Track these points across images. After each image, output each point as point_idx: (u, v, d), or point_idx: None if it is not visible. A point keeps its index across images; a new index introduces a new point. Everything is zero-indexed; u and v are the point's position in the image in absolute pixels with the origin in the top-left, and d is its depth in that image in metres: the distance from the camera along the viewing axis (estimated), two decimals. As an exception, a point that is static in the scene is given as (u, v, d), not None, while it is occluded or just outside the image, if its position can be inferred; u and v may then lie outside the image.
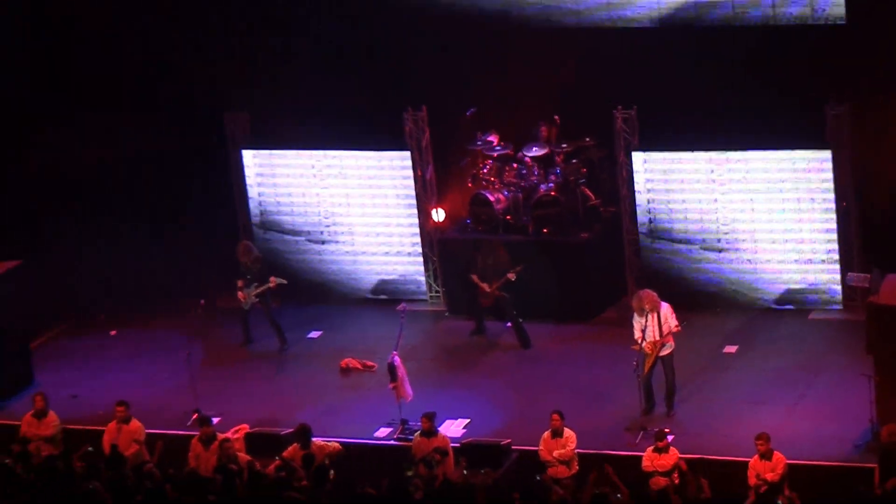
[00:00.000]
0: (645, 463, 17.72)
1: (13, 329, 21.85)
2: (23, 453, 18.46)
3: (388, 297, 23.54)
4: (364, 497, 16.39)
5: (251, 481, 17.41)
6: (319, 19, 23.81)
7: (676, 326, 19.62)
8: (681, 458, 17.76)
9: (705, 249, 22.47)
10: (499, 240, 22.35)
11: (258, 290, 22.29)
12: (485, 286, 21.88)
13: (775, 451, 17.36)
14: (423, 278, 23.57)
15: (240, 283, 22.35)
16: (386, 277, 23.84)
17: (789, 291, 22.25)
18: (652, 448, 17.88)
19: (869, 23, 20.92)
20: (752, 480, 17.24)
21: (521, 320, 21.95)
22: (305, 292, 23.83)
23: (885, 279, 19.08)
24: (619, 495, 16.47)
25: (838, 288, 21.84)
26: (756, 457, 17.35)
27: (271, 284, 22.31)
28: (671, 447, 17.89)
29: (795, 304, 22.18)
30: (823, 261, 21.92)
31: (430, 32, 23.28)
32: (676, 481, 17.51)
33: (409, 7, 23.33)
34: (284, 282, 22.48)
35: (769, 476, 17.18)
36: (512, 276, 21.68)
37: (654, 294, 20.04)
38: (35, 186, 23.59)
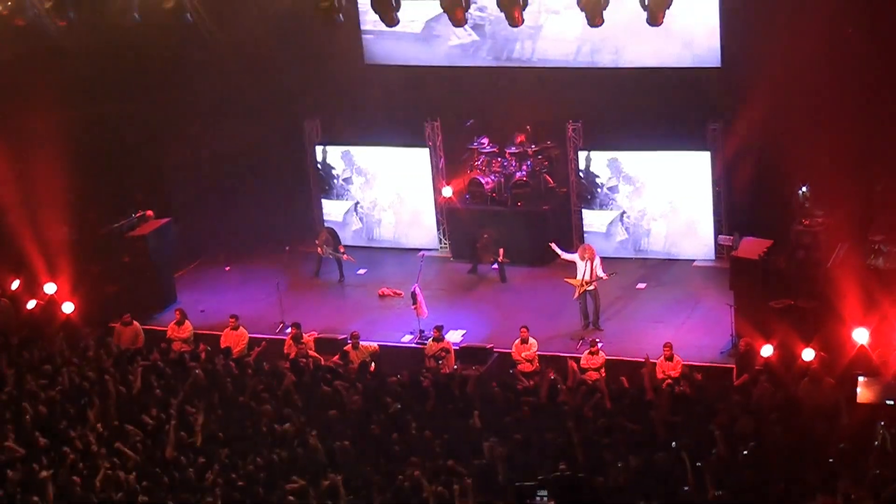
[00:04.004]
0: (582, 362, 17.85)
1: (164, 264, 21.91)
2: (166, 350, 18.97)
3: (411, 246, 23.34)
4: (389, 383, 16.81)
5: (315, 369, 17.82)
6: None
7: (606, 276, 19.67)
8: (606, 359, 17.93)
9: (625, 217, 22.34)
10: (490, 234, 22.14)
11: (333, 254, 22.27)
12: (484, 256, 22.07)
13: (675, 355, 17.55)
14: (436, 234, 23.49)
15: (317, 242, 22.38)
16: (411, 233, 23.70)
17: (680, 247, 22.15)
18: (587, 352, 18.08)
19: (735, 67, 20.81)
20: (659, 375, 17.29)
21: (501, 263, 21.91)
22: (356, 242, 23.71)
23: (742, 240, 19.36)
24: (567, 385, 16.83)
25: (712, 245, 21.79)
26: (662, 358, 17.49)
27: (343, 257, 22.28)
28: (600, 352, 18.11)
29: (684, 256, 22.07)
30: (704, 226, 21.78)
31: (444, 70, 23.11)
32: (604, 374, 17.72)
33: (429, 56, 23.25)
34: (353, 259, 22.30)
35: (672, 373, 17.32)
36: (501, 258, 21.82)
37: (592, 248, 20.22)
38: (175, 170, 23.44)
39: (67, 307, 20.13)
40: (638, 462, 14.31)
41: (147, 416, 16.21)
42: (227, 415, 16.29)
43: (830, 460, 14.22)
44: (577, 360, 17.96)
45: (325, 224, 23.42)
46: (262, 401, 16.46)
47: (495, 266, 22.09)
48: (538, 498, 4.08)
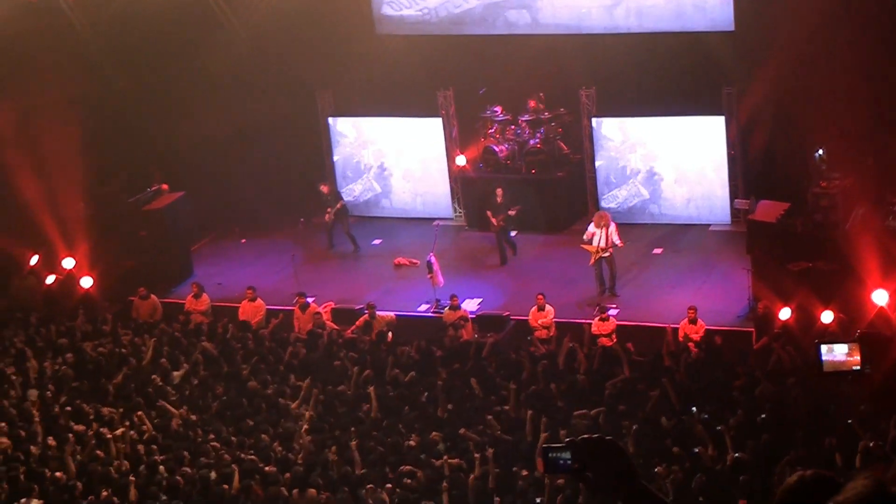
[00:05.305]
0: (593, 328, 17.70)
1: (180, 238, 21.81)
2: (185, 322, 18.94)
3: (426, 216, 23.20)
4: (402, 353, 16.69)
5: (330, 340, 17.72)
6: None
7: (620, 244, 19.47)
8: (619, 325, 17.76)
9: (641, 183, 22.12)
10: (500, 188, 21.35)
11: (334, 210, 22.13)
12: (493, 220, 21.14)
13: (699, 319, 17.35)
14: (450, 203, 23.29)
15: (328, 209, 22.22)
16: (425, 202, 23.57)
17: (697, 212, 21.89)
18: (598, 318, 17.87)
19: (749, 30, 20.51)
20: (681, 338, 17.14)
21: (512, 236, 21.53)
22: (371, 212, 23.66)
23: (758, 204, 19.13)
24: (584, 350, 16.70)
25: (728, 209, 21.49)
26: (686, 321, 17.32)
27: (338, 206, 22.09)
28: (611, 318, 17.92)
29: (701, 221, 21.79)
30: (719, 190, 21.50)
31: (457, 39, 22.85)
32: (615, 339, 17.55)
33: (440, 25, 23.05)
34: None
35: (694, 336, 17.16)
36: (512, 212, 21.13)
37: (608, 215, 20.00)
38: (189, 144, 23.05)
39: (86, 282, 20.10)
40: (666, 425, 14.23)
41: (153, 388, 16.20)
42: (234, 388, 16.28)
43: (849, 422, 14.03)
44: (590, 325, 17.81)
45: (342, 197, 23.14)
46: (262, 373, 16.51)
47: (515, 233, 21.70)
48: (562, 462, 3.86)
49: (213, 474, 13.71)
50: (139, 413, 15.48)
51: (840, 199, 19.08)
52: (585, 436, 4.08)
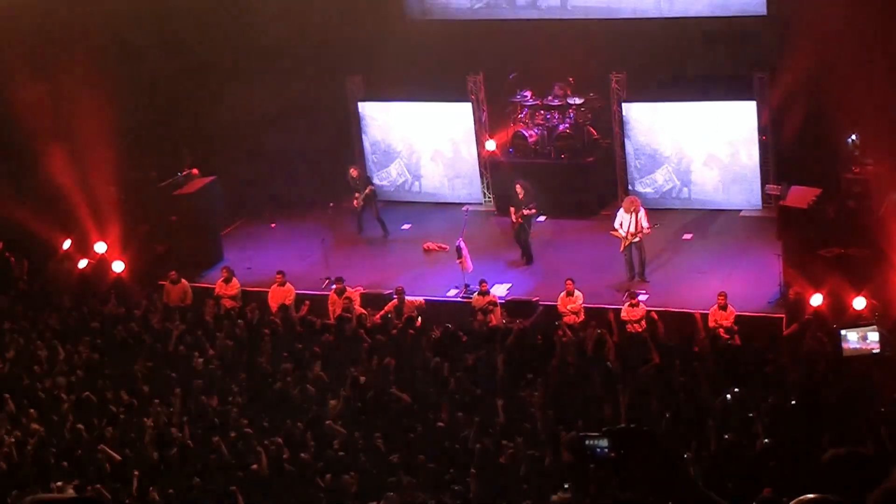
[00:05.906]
0: (622, 314, 17.58)
1: (210, 222, 21.81)
2: (215, 305, 18.97)
3: (455, 201, 23.04)
4: (428, 338, 16.64)
5: (359, 325, 17.72)
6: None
7: (648, 229, 19.31)
8: (648, 311, 17.57)
9: (671, 167, 21.97)
10: (520, 184, 20.61)
11: (363, 195, 22.08)
12: (513, 218, 20.55)
13: (729, 305, 17.21)
14: (480, 188, 23.19)
15: (356, 194, 22.19)
16: (455, 187, 23.44)
17: (727, 197, 21.71)
18: (627, 304, 17.74)
19: (782, 14, 20.29)
20: (711, 324, 17.01)
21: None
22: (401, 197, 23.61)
23: (790, 189, 18.96)
24: (612, 336, 16.63)
25: (759, 195, 21.31)
26: (716, 307, 17.19)
27: (367, 191, 22.09)
28: (641, 304, 17.78)
29: (731, 206, 21.62)
30: (750, 176, 21.31)
31: (487, 23, 22.75)
32: (644, 325, 17.44)
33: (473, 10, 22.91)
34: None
35: (724, 323, 17.05)
36: (527, 212, 20.46)
37: (637, 200, 19.87)
38: (220, 128, 23.12)
39: (118, 266, 20.15)
40: (688, 412, 14.13)
41: (179, 372, 16.30)
42: (259, 373, 16.31)
43: (882, 410, 13.89)
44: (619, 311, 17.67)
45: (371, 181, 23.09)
46: (288, 359, 16.56)
47: (543, 218, 21.52)
48: (598, 450, 3.82)
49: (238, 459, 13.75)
50: (173, 393, 15.54)
51: (873, 185, 18.90)
52: (623, 425, 4.03)
